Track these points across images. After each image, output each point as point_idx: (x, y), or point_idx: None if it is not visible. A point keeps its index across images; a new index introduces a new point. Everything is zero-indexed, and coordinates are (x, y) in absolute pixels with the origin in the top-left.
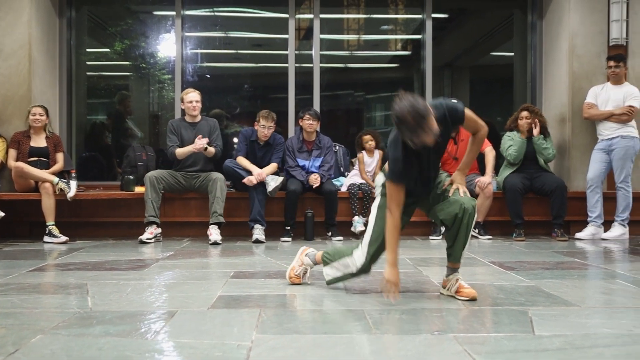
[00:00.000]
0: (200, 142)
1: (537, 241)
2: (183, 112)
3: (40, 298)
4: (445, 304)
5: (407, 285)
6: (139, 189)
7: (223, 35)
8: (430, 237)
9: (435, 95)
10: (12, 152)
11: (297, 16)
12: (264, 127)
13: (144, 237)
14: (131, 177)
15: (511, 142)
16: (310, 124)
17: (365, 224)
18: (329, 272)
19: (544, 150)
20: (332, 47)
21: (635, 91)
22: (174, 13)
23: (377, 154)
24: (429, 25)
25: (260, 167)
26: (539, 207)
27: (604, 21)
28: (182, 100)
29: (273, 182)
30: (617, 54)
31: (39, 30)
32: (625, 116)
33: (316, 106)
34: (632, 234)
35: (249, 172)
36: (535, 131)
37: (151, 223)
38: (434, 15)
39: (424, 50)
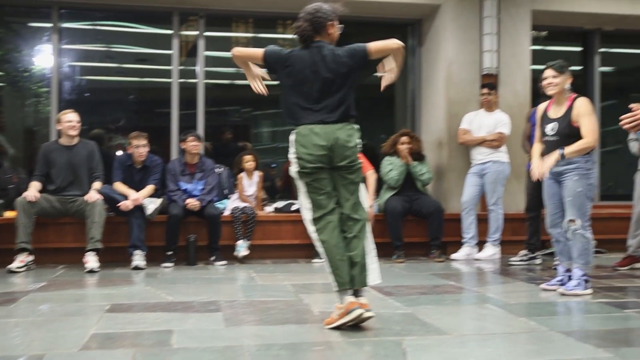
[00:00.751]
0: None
1: (415, 262)
2: (59, 133)
3: None
4: (325, 336)
5: (287, 316)
6: (9, 214)
7: (105, 49)
8: (313, 260)
9: None
10: None
11: (182, 32)
12: (138, 147)
13: (13, 266)
14: (0, 200)
15: (391, 167)
16: (194, 145)
17: (249, 248)
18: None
19: (420, 176)
20: (219, 64)
21: (505, 118)
22: (50, 25)
23: (257, 175)
24: None
25: (138, 190)
26: (418, 229)
27: (477, 51)
28: (58, 121)
29: (152, 205)
30: (489, 83)
31: None
32: (495, 142)
33: (200, 123)
34: (504, 254)
35: (127, 198)
36: (407, 159)
37: (22, 250)
38: None
39: None
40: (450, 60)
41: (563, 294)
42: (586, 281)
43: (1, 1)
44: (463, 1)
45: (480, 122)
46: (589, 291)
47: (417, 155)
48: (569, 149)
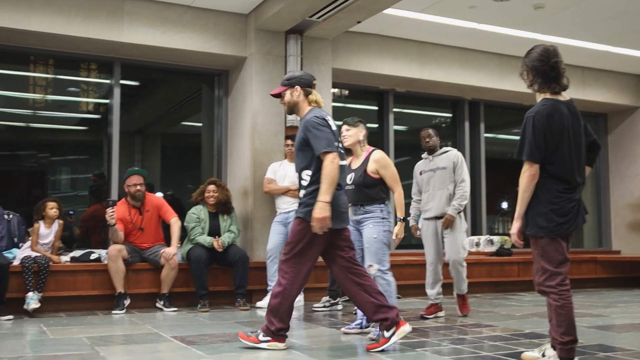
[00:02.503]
0: None
1: (220, 311)
2: None
3: None
4: None
5: None
6: None
7: None
8: (113, 312)
9: (125, 160)
10: None
11: None
12: None
13: None
14: None
15: (197, 222)
16: None
17: (41, 300)
18: None
19: (231, 233)
20: (13, 105)
21: None
22: None
23: (57, 224)
24: (117, 90)
25: None
26: (223, 277)
27: (281, 104)
28: None
29: None
30: (294, 134)
31: None
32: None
33: None
34: (307, 300)
35: None
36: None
37: None
38: (122, 81)
39: (112, 114)
40: (256, 111)
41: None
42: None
43: None
44: (268, 55)
45: (285, 172)
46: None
47: (225, 206)
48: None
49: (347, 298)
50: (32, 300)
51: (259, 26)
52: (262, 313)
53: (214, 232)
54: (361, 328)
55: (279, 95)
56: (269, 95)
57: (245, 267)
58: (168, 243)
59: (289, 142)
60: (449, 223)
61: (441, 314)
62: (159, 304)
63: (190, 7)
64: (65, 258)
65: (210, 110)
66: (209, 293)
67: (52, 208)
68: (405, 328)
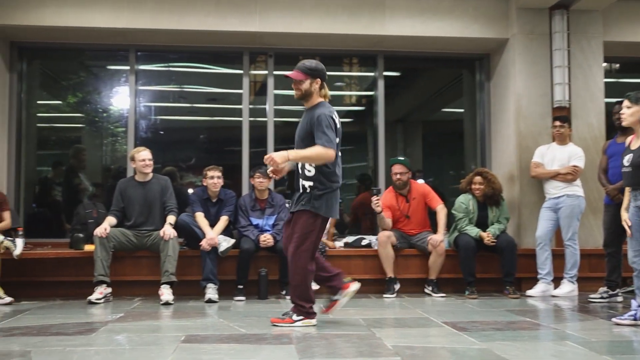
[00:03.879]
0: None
1: (489, 299)
2: (134, 170)
3: None
4: None
5: (360, 349)
6: (88, 247)
7: (178, 89)
8: (385, 295)
9: (390, 149)
10: None
11: (252, 72)
12: (213, 178)
13: (93, 297)
14: (81, 235)
15: (465, 212)
16: (260, 182)
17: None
18: None
19: (500, 224)
20: (287, 102)
21: (579, 151)
22: (127, 68)
23: None
24: (381, 82)
25: (214, 225)
26: (490, 264)
27: (547, 85)
28: (132, 159)
29: (225, 243)
30: (562, 115)
31: None
32: (570, 175)
33: None
34: (581, 291)
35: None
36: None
37: (101, 282)
38: (385, 73)
39: (377, 106)
40: (520, 94)
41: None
42: None
43: (82, 46)
44: (531, 35)
45: (553, 155)
46: None
47: (492, 198)
48: None
49: (628, 289)
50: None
51: (520, 5)
52: (533, 302)
53: (482, 223)
54: (635, 319)
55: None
56: (533, 76)
57: (514, 254)
58: (434, 229)
59: (557, 123)
60: None
61: None
62: (427, 290)
63: None
64: (339, 243)
65: (471, 96)
66: (477, 280)
67: None
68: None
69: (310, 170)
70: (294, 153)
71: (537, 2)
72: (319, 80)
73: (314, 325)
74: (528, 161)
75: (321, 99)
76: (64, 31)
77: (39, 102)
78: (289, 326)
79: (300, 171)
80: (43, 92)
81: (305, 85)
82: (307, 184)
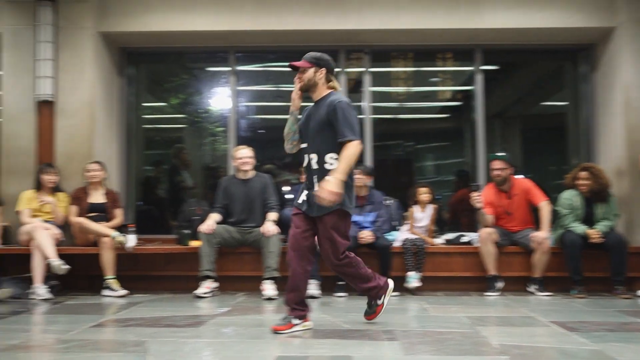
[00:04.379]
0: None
1: (598, 298)
2: (236, 168)
3: (101, 357)
4: None
5: (465, 347)
6: (194, 243)
7: (275, 88)
8: (487, 294)
9: (488, 144)
10: (73, 208)
11: (347, 69)
12: None
13: (199, 291)
14: (187, 231)
15: (570, 209)
16: (359, 178)
17: (421, 280)
18: None
19: (609, 222)
20: (382, 99)
21: None
22: (228, 69)
23: (431, 208)
24: (479, 77)
25: None
26: (598, 263)
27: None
28: (233, 157)
29: None
30: None
31: (101, 90)
32: None
33: (368, 157)
34: None
35: None
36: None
37: (206, 277)
38: (484, 67)
39: (475, 101)
40: (629, 85)
41: None
42: None
43: (184, 49)
44: None
45: None
46: None
47: (600, 194)
48: None
49: None
50: (413, 279)
51: None
52: None
53: (588, 220)
54: None
55: (294, 67)
56: None
57: (624, 253)
58: (538, 226)
59: None
60: None
61: None
62: (531, 288)
63: None
64: (439, 240)
65: (574, 88)
66: (584, 279)
67: (422, 193)
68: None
69: (332, 164)
70: (339, 174)
71: None
72: (324, 70)
73: (310, 329)
74: (637, 155)
75: (330, 90)
76: (168, 35)
77: (144, 104)
78: (291, 331)
79: (317, 166)
80: (148, 94)
81: (309, 74)
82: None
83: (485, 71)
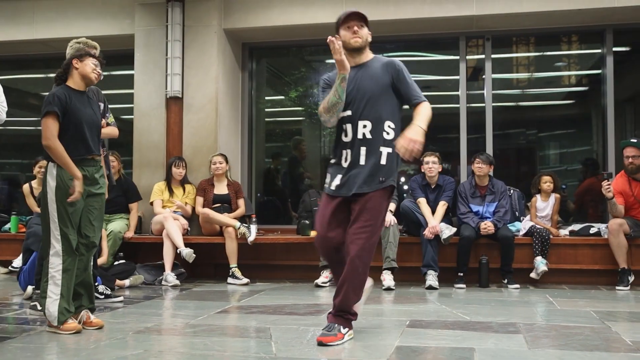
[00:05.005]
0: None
1: None
2: None
3: (228, 341)
4: None
5: (595, 342)
6: (314, 233)
7: None
8: (617, 288)
9: (618, 131)
10: (199, 199)
11: (468, 57)
12: (428, 163)
13: (319, 281)
14: (307, 221)
15: None
16: (479, 167)
17: (547, 266)
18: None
19: None
20: (503, 86)
21: None
22: None
23: (553, 197)
24: (609, 59)
25: (434, 211)
26: None
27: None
28: None
29: (448, 231)
30: None
31: (225, 85)
32: None
33: (489, 146)
34: None
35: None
36: None
37: (326, 267)
38: (615, 49)
39: (605, 85)
40: None
41: None
42: None
43: (303, 42)
44: None
45: None
46: None
47: None
48: None
49: None
50: (541, 264)
51: None
52: None
53: None
54: None
55: (361, 17)
56: None
57: None
58: None
59: None
60: None
61: None
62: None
63: None
64: (564, 232)
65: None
66: None
67: (545, 182)
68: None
69: (389, 133)
70: (423, 124)
71: None
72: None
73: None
74: None
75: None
76: (289, 29)
77: (265, 97)
78: (341, 342)
79: (370, 136)
80: (269, 88)
81: (366, 32)
82: (387, 150)
83: (616, 53)
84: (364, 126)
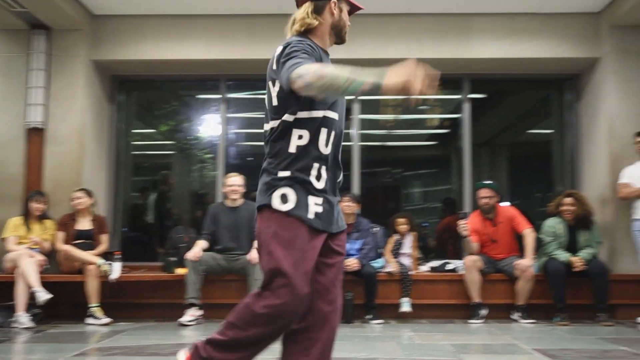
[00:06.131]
0: None
1: (580, 326)
2: (225, 195)
3: None
4: None
5: None
6: (180, 271)
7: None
8: (470, 321)
9: (474, 172)
10: (60, 235)
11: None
12: None
13: (184, 319)
14: (173, 258)
15: (553, 237)
16: (347, 205)
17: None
18: None
19: (592, 249)
20: (370, 127)
21: None
22: (219, 96)
23: (411, 236)
24: (467, 105)
25: None
26: (581, 290)
27: None
28: (223, 184)
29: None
30: None
31: (92, 117)
32: None
33: (356, 184)
34: None
35: None
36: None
37: (191, 305)
38: (471, 95)
39: (463, 129)
40: (613, 114)
41: None
42: None
43: (174, 77)
44: (625, 53)
45: None
46: None
47: (583, 221)
48: None
49: None
50: (406, 304)
51: (614, 23)
52: (629, 330)
53: (572, 247)
54: None
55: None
56: (628, 95)
57: (606, 280)
58: (522, 253)
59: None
60: None
61: None
62: (515, 316)
63: (536, 15)
64: (424, 268)
65: (560, 117)
66: (567, 306)
67: (400, 224)
68: None
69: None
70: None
71: (633, 20)
72: None
73: None
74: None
75: None
76: (160, 64)
77: (134, 130)
78: None
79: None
80: (138, 121)
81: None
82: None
83: (472, 99)
84: (342, 134)
